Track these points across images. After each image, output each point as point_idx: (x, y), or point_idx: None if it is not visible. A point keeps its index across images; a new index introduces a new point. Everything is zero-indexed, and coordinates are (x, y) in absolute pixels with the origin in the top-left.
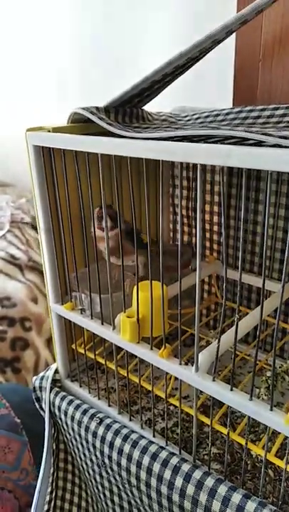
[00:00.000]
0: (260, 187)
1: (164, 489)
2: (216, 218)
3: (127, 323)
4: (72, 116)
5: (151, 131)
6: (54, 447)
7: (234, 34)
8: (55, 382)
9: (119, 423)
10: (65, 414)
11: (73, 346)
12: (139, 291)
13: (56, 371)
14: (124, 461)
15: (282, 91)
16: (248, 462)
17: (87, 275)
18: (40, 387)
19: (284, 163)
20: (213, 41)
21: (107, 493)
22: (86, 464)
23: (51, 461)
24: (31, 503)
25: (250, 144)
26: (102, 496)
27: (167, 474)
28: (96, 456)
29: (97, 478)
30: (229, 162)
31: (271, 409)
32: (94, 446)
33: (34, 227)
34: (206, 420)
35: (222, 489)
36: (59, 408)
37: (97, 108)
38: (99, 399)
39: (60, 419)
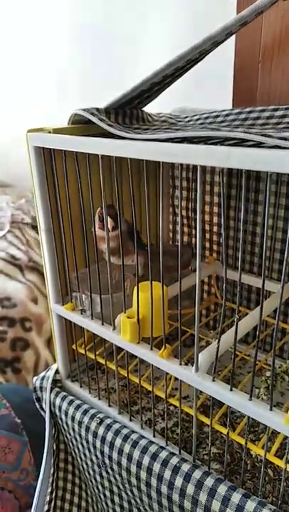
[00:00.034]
0: (260, 188)
1: (164, 489)
2: (215, 219)
3: (128, 323)
4: (73, 117)
5: (151, 133)
6: (54, 447)
7: (234, 36)
8: (55, 382)
9: (120, 423)
10: (66, 414)
11: (74, 346)
12: (139, 292)
13: (57, 371)
14: (124, 461)
15: (282, 92)
16: (248, 462)
17: (88, 275)
18: (41, 388)
19: (283, 164)
20: (213, 43)
21: (108, 493)
22: (86, 464)
23: (51, 462)
24: (31, 504)
25: (250, 145)
26: (102, 496)
27: (167, 474)
28: (96, 456)
29: (98, 478)
30: (229, 163)
31: (271, 409)
32: (94, 447)
33: (34, 228)
34: (206, 420)
35: (222, 489)
36: (59, 408)
37: (97, 109)
38: (99, 399)
39: (61, 419)
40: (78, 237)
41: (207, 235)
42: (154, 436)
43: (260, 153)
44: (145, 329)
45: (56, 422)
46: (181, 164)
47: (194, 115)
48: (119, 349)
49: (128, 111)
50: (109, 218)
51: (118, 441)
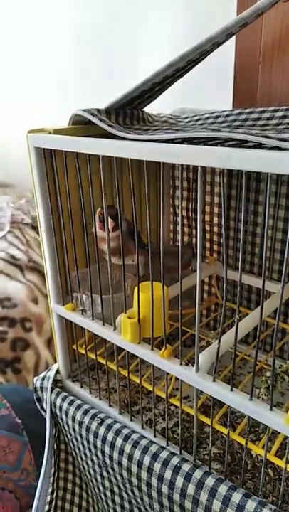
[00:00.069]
0: (260, 188)
1: (164, 489)
2: (216, 219)
3: (128, 323)
4: (74, 117)
5: (151, 133)
6: (55, 447)
7: (234, 37)
8: (56, 382)
9: (120, 423)
10: (66, 414)
11: (74, 347)
12: (139, 292)
13: (57, 372)
14: (125, 461)
15: (282, 93)
16: (248, 462)
17: (88, 276)
18: (42, 388)
19: (283, 165)
20: (214, 44)
21: (108, 493)
22: (87, 464)
23: (52, 462)
24: (32, 504)
25: (250, 146)
26: (102, 496)
27: (168, 474)
28: (97, 456)
29: (98, 478)
30: (229, 164)
31: (271, 409)
32: (95, 447)
33: (34, 228)
34: (207, 420)
35: (222, 489)
36: (60, 408)
37: (98, 110)
38: (100, 399)
39: (61, 419)
40: (79, 237)
41: (207, 235)
42: (154, 436)
43: (261, 155)
44: (146, 329)
45: (57, 422)
46: (182, 165)
47: (194, 116)
48: (120, 349)
49: (128, 111)
50: (109, 218)
51: (119, 442)
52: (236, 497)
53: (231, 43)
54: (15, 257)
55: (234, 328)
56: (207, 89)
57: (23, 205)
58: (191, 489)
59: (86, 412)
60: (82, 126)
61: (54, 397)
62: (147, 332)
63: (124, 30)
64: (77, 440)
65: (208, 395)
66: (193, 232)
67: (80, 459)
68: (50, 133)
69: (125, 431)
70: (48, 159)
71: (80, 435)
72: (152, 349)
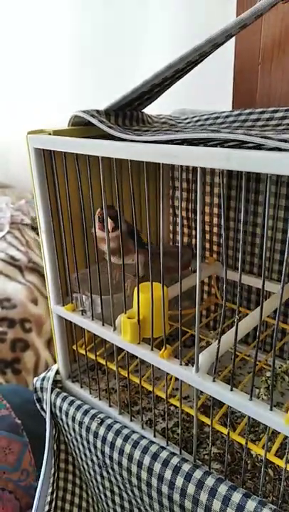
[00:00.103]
0: (260, 189)
1: (164, 489)
2: (215, 220)
3: (128, 324)
4: (73, 119)
5: (151, 134)
6: (55, 448)
7: (234, 38)
8: (56, 383)
9: (120, 423)
10: (66, 414)
11: (74, 347)
12: (139, 293)
13: (57, 372)
14: (125, 461)
15: (282, 94)
16: (248, 462)
17: (88, 276)
18: (42, 388)
19: (283, 166)
20: (213, 45)
21: (108, 494)
22: (87, 464)
23: (52, 462)
24: (32, 504)
25: (250, 147)
26: (103, 496)
27: (168, 474)
28: (97, 456)
29: (98, 478)
30: (228, 165)
31: (271, 409)
32: (95, 447)
33: (34, 229)
34: (207, 420)
35: (222, 488)
36: (60, 409)
37: (97, 111)
38: (100, 399)
39: (61, 419)
40: (78, 238)
41: (207, 236)
42: (154, 436)
43: (260, 155)
44: (146, 330)
45: (57, 423)
46: (181, 166)
47: (194, 117)
48: (120, 349)
49: (128, 112)
50: (109, 219)
51: (119, 442)
52: (236, 497)
53: (231, 44)
54: (14, 258)
55: (234, 328)
56: (206, 90)
57: (23, 206)
58: (191, 489)
59: (86, 413)
60: (81, 127)
61: (54, 397)
62: (147, 332)
63: (124, 30)
64: (77, 440)
65: (208, 395)
66: (193, 232)
67: (80, 460)
68: (49, 134)
69: (125, 431)
70: (48, 160)
71: (80, 435)
72: (152, 349)
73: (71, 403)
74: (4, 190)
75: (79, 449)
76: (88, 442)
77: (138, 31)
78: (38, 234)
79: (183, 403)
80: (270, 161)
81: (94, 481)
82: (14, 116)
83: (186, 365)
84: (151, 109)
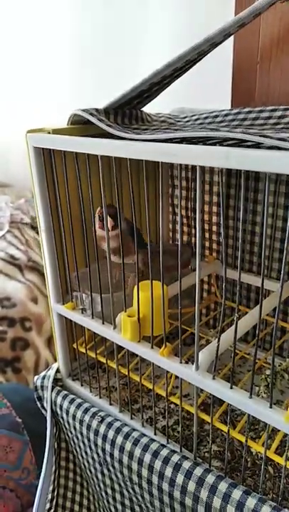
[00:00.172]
0: (259, 187)
1: (165, 486)
2: (215, 218)
3: (128, 322)
4: (72, 117)
5: (150, 133)
6: (56, 446)
7: (232, 37)
8: (56, 381)
9: (121, 421)
10: (67, 413)
11: (74, 345)
12: (139, 291)
13: (57, 370)
14: (125, 459)
15: (280, 93)
16: (248, 459)
17: (88, 275)
18: (42, 386)
19: (281, 165)
20: (212, 44)
21: (109, 491)
22: (88, 462)
23: (53, 460)
24: (33, 502)
25: (249, 146)
26: (103, 493)
27: (168, 471)
28: (97, 454)
29: (99, 476)
30: (228, 164)
31: (270, 407)
32: (95, 445)
33: (33, 228)
34: (207, 418)
35: (222, 486)
36: (61, 407)
37: (96, 110)
38: (100, 398)
39: (62, 417)
40: (78, 237)
41: (207, 235)
42: (155, 434)
43: (259, 154)
44: (145, 328)
45: (57, 421)
46: (180, 164)
47: (193, 115)
48: (120, 348)
49: (127, 111)
50: (109, 218)
51: (119, 439)
52: (236, 494)
53: (229, 43)
54: (14, 257)
55: (233, 326)
56: (205, 89)
57: (22, 205)
58: (191, 486)
59: (86, 411)
60: (81, 126)
61: (54, 395)
62: (147, 330)
63: (124, 30)
64: (77, 438)
65: (208, 393)
66: (193, 231)
67: (80, 458)
68: (49, 133)
69: (126, 429)
70: (47, 159)
71: (81, 433)
72: (152, 347)
73: (72, 401)
74: (4, 189)
75: (80, 447)
76: (89, 440)
77: (138, 31)
78: (37, 233)
79: (183, 401)
80: (268, 159)
81: (95, 479)
82: (14, 116)
83: (186, 363)
84: (151, 108)
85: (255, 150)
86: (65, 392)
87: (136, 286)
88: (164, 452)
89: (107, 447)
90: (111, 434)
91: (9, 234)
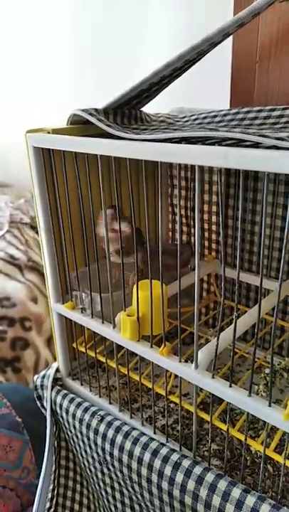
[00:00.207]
0: (258, 187)
1: (164, 485)
2: (214, 218)
3: (128, 321)
4: (72, 117)
5: (149, 133)
6: (56, 445)
7: (231, 36)
8: (56, 380)
9: (120, 421)
10: (67, 412)
11: (74, 345)
12: (139, 290)
13: (57, 370)
14: (125, 458)
15: (279, 92)
16: (248, 458)
17: (88, 274)
18: (42, 386)
19: (280, 164)
20: (211, 44)
21: (109, 490)
22: (87, 461)
23: (53, 459)
24: (33, 502)
25: (248, 145)
26: (103, 492)
27: (168, 470)
28: (97, 453)
29: (99, 475)
30: (226, 163)
31: (270, 405)
32: (95, 444)
33: (33, 228)
34: (206, 417)
35: (222, 484)
36: (60, 406)
37: (96, 110)
38: (100, 397)
39: (62, 417)
40: (78, 236)
41: (206, 234)
42: (154, 433)
43: (257, 154)
44: (145, 327)
45: (57, 420)
46: (180, 164)
47: (192, 115)
48: (120, 347)
49: (126, 111)
50: (122, 221)
51: (119, 439)
52: (236, 492)
53: (228, 42)
54: (14, 257)
55: (233, 325)
56: (204, 88)
57: (22, 205)
58: (191, 485)
59: (86, 410)
60: (80, 125)
61: (54, 395)
62: (146, 330)
63: (124, 30)
64: (77, 438)
65: (207, 391)
66: (192, 230)
67: (80, 457)
68: (48, 132)
69: (125, 428)
70: (47, 159)
71: (81, 432)
72: (152, 347)
73: (71, 401)
74: (3, 189)
75: (79, 446)
76: (89, 439)
77: (138, 31)
78: (37, 233)
79: (182, 400)
80: (267, 159)
81: (94, 478)
82: (14, 116)
83: (186, 362)
84: (150, 108)
85: (253, 150)
86: (65, 391)
87: (135, 286)
88: (164, 451)
89: (107, 446)
90: (111, 433)
91: (9, 234)
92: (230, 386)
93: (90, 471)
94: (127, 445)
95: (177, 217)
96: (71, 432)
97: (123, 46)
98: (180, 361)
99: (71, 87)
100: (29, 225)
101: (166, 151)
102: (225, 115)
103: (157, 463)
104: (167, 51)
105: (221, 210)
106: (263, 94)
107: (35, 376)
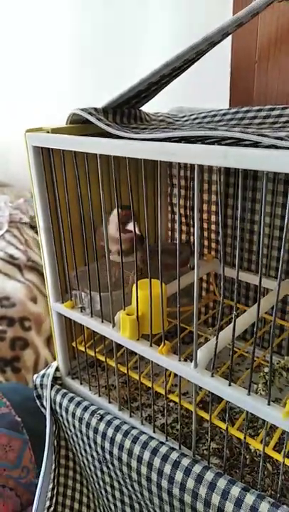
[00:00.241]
0: (257, 186)
1: (164, 483)
2: (213, 217)
3: (127, 320)
4: (71, 117)
5: (149, 132)
6: (55, 444)
7: (230, 36)
8: (55, 379)
9: (120, 419)
10: (66, 411)
11: (73, 344)
12: (138, 290)
13: (57, 369)
14: (124, 457)
15: (278, 92)
16: (247, 456)
17: (87, 274)
18: (41, 385)
19: (279, 163)
20: (210, 43)
21: (108, 488)
22: (87, 460)
23: (52, 458)
24: (33, 501)
25: (247, 145)
26: (103, 491)
27: (167, 469)
28: (97, 452)
29: (98, 473)
30: (226, 163)
31: (269, 404)
32: (95, 442)
33: (32, 227)
34: (206, 416)
35: (221, 483)
36: (60, 405)
37: (95, 109)
38: (99, 396)
39: (61, 416)
40: (77, 236)
41: (205, 233)
42: (154, 431)
43: (257, 153)
44: (144, 326)
45: (57, 419)
46: (179, 163)
47: (191, 114)
48: (119, 346)
49: (126, 110)
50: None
51: (118, 437)
52: (235, 491)
53: (227, 42)
54: (13, 257)
55: (232, 324)
56: (204, 88)
57: (22, 205)
58: (190, 483)
59: (86, 409)
60: (79, 125)
61: (54, 394)
62: (146, 329)
63: (124, 30)
64: (77, 436)
65: (206, 390)
66: (192, 230)
67: (80, 455)
68: (48, 132)
69: (125, 427)
70: (46, 158)
71: (80, 431)
72: (151, 346)
73: (71, 400)
74: (3, 188)
75: (79, 444)
76: (88, 438)
77: (138, 31)
78: (36, 232)
79: (182, 399)
80: (266, 158)
81: (94, 477)
82: (14, 115)
83: (185, 361)
84: (149, 107)
85: (253, 149)
86: (65, 390)
87: (135, 285)
88: (163, 450)
89: (107, 445)
90: (110, 432)
91: (8, 233)
92: (230, 385)
93: (90, 470)
94: (127, 444)
95: (177, 217)
96: (71, 431)
97: (123, 46)
98: (179, 360)
99: (71, 87)
100: (28, 225)
101: (166, 150)
102: (224, 114)
103: (157, 461)
104: (167, 51)
105: (221, 209)
106: (262, 94)
107: (35, 375)
